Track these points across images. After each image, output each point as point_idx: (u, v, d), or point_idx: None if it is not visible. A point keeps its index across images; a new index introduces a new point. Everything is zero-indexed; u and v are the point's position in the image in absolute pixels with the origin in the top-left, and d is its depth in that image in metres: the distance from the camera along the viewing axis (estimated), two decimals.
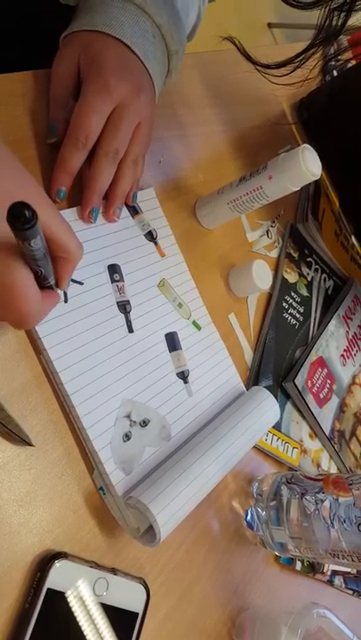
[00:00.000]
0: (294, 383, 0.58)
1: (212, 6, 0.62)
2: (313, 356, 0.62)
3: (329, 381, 0.64)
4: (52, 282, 0.32)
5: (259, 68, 0.57)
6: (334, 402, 0.64)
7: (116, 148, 0.42)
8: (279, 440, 0.56)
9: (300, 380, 0.58)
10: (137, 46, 0.44)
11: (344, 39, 0.82)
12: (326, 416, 0.62)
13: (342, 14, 0.49)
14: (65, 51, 0.44)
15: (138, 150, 0.45)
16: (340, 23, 0.50)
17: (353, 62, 0.76)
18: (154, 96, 0.47)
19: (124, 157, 0.44)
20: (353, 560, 0.44)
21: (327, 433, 0.61)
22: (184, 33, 0.51)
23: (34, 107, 0.45)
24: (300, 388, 0.58)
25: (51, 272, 0.31)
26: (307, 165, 0.47)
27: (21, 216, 0.23)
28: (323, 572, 0.57)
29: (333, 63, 0.81)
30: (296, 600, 0.54)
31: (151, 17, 0.45)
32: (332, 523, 0.44)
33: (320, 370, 0.63)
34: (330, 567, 0.58)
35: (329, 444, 0.62)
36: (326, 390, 0.63)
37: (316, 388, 0.61)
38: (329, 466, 0.62)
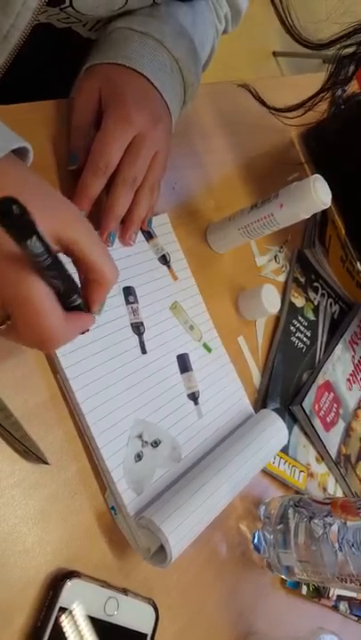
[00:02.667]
0: (302, 406, 0.58)
1: None
2: (320, 380, 0.63)
3: (335, 405, 0.64)
4: (79, 301, 0.32)
5: (272, 111, 0.60)
6: (341, 426, 0.64)
7: (134, 175, 0.44)
8: (286, 463, 0.56)
9: (307, 404, 0.59)
10: (156, 78, 0.46)
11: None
12: (333, 440, 0.62)
13: (353, 63, 0.52)
14: (87, 82, 0.46)
15: (154, 178, 0.46)
16: (350, 71, 0.52)
17: None
18: (171, 126, 0.49)
19: (141, 184, 0.45)
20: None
21: (333, 457, 0.62)
22: (200, 66, 0.53)
23: (55, 134, 0.46)
24: (307, 412, 0.59)
25: (74, 289, 0.30)
26: (318, 195, 0.48)
27: (9, 211, 0.22)
28: (328, 597, 0.57)
29: (340, 93, 0.83)
30: (302, 625, 0.54)
31: (169, 51, 0.48)
32: (340, 547, 0.44)
33: (327, 394, 0.63)
34: (335, 592, 0.57)
35: (335, 467, 0.62)
36: (333, 414, 0.63)
37: (323, 411, 0.62)
38: (335, 490, 0.63)
